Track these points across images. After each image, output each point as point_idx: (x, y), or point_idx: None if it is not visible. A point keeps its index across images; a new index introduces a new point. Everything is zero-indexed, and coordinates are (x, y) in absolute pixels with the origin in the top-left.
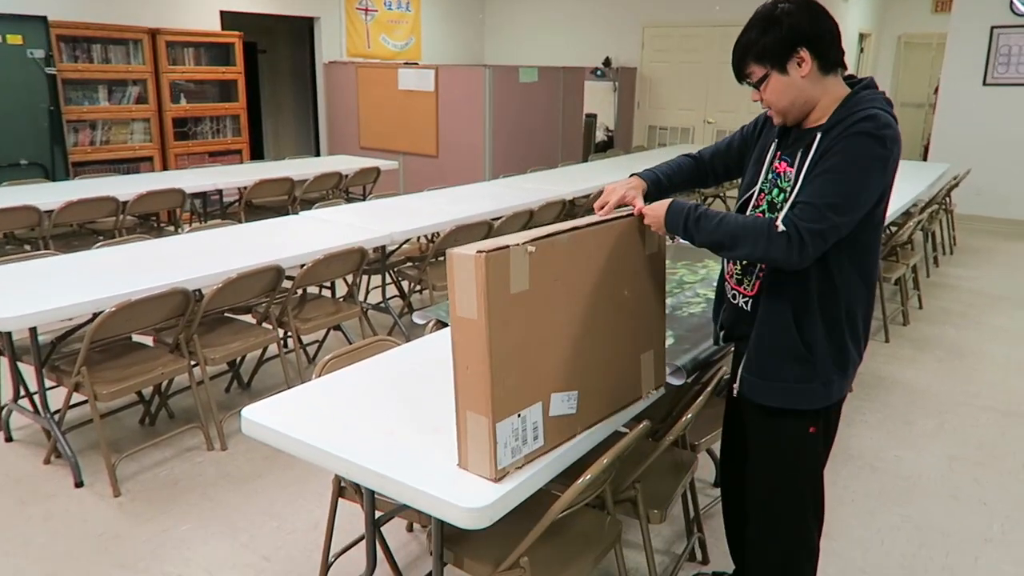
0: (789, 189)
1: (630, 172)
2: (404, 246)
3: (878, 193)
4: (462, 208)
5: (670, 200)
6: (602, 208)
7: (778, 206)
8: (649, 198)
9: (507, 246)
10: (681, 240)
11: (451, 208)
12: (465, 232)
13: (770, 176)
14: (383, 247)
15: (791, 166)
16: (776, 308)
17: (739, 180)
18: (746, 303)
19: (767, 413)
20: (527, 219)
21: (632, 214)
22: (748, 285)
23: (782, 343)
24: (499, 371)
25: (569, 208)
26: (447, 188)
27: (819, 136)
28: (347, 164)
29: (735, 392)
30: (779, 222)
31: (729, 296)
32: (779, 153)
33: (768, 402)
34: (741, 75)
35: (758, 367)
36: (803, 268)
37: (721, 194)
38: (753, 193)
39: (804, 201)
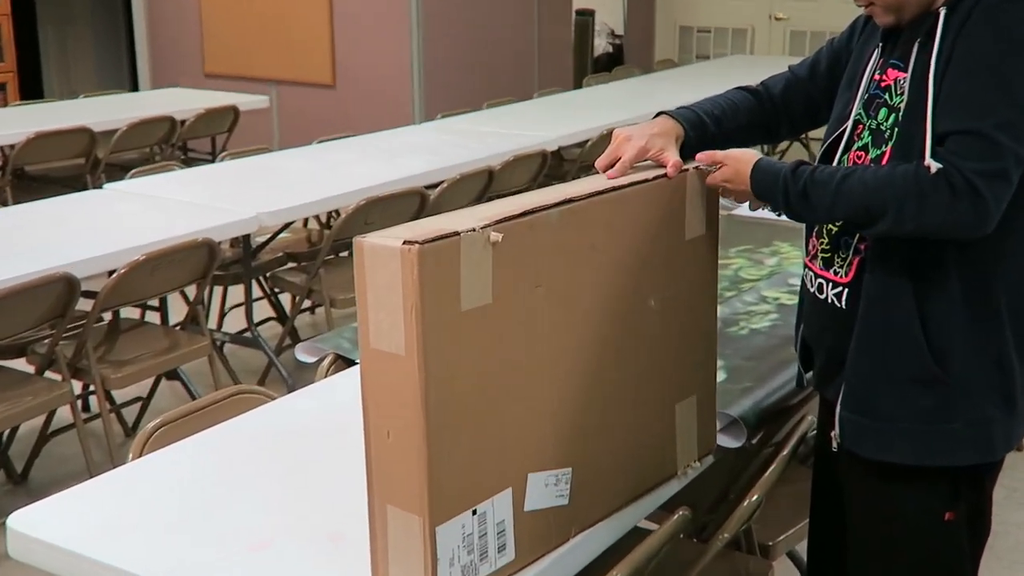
0: (904, 103)
1: (655, 109)
2: (282, 236)
3: None
4: (377, 169)
5: (755, 153)
6: (611, 167)
7: (886, 134)
8: (687, 150)
9: (455, 232)
10: (768, 211)
11: (359, 170)
12: (383, 209)
13: (870, 92)
14: (246, 238)
15: (903, 70)
16: (889, 299)
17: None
18: (838, 295)
19: (880, 476)
20: (484, 184)
21: (664, 175)
22: (841, 266)
23: (900, 356)
24: (441, 439)
25: (554, 165)
26: (352, 138)
27: (943, 15)
28: (184, 103)
29: (833, 445)
30: (928, 160)
31: (810, 287)
32: (882, 61)
33: (881, 456)
34: None
35: (864, 400)
36: (977, 233)
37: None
38: (845, 129)
39: (958, 130)
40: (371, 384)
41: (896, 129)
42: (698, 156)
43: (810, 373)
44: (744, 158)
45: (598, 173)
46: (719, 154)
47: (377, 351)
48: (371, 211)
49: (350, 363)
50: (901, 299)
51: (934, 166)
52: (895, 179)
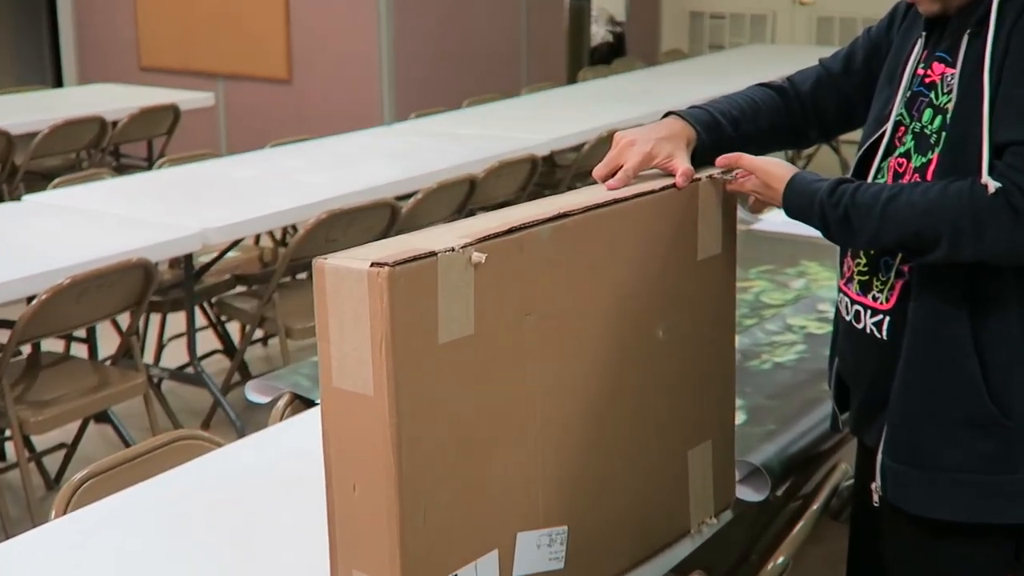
0: (953, 104)
1: (662, 108)
2: (230, 255)
3: None
4: (341, 178)
5: (788, 167)
6: (612, 175)
7: (931, 138)
8: (700, 156)
9: (431, 252)
10: (788, 218)
11: (319, 179)
12: (348, 224)
13: (912, 89)
14: (188, 258)
15: (951, 65)
16: (939, 329)
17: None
18: (878, 325)
19: (930, 535)
20: (465, 195)
21: (672, 186)
22: (881, 290)
23: (953, 396)
24: (415, 493)
25: (546, 173)
26: (311, 141)
27: (996, 1)
28: (116, 101)
29: (873, 499)
30: (986, 177)
31: (845, 314)
32: (926, 53)
33: (931, 512)
34: None
35: (910, 446)
36: None
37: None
38: (885, 131)
39: (1018, 140)
40: (334, 429)
41: (944, 134)
42: (720, 160)
43: (846, 414)
44: (777, 173)
45: (596, 183)
46: (747, 159)
47: (341, 390)
48: (334, 226)
49: (309, 404)
50: (953, 329)
51: (992, 185)
52: (948, 200)
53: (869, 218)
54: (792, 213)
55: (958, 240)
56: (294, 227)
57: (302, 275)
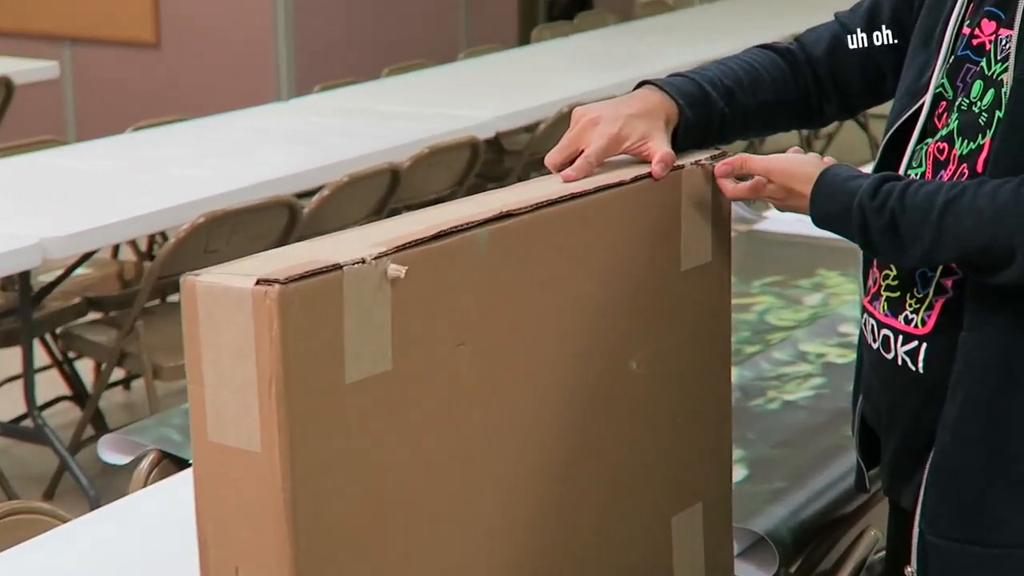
0: (1011, 76)
1: (636, 76)
2: (80, 272)
3: None
4: (224, 170)
5: (812, 160)
6: (569, 163)
7: (982, 118)
8: (685, 138)
9: (335, 265)
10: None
11: (195, 171)
12: (233, 229)
13: (956, 54)
14: (24, 277)
15: (1006, 24)
16: (998, 361)
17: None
18: (912, 354)
19: None
20: (385, 191)
21: (648, 175)
22: (916, 310)
23: (1007, 447)
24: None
25: (490, 161)
26: (185, 123)
27: None
28: None
29: None
30: None
31: (871, 340)
32: (972, 6)
33: None
34: None
35: (958, 514)
36: None
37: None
38: (922, 106)
39: None
40: (210, 496)
41: (998, 114)
42: (718, 169)
43: (875, 469)
44: (801, 172)
45: (551, 173)
46: (756, 161)
47: (218, 446)
48: (215, 233)
49: (182, 464)
50: (1007, 357)
51: None
52: (1014, 199)
53: (924, 227)
54: (822, 221)
55: None
56: (163, 235)
57: (174, 297)
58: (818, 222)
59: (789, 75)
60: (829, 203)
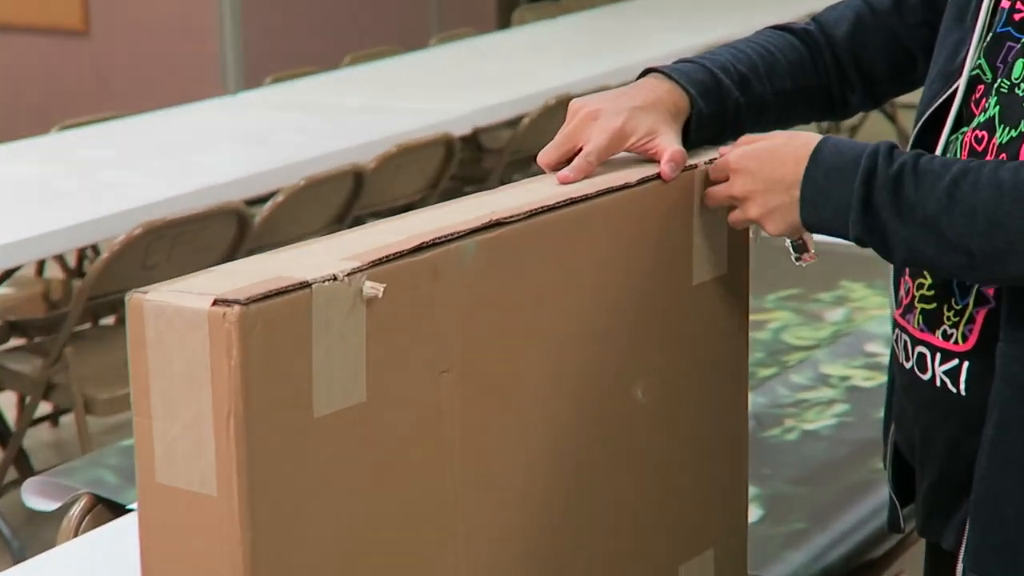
0: None
1: (640, 63)
2: (1, 293)
3: None
4: (166, 174)
5: (810, 135)
6: (565, 162)
7: None
8: (698, 133)
9: (302, 283)
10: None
11: (132, 176)
12: (175, 241)
13: (995, 30)
14: None
15: None
16: None
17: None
18: (952, 374)
19: None
20: (348, 195)
21: (656, 176)
22: (955, 324)
23: None
24: None
25: (467, 161)
26: (118, 120)
27: None
28: None
29: None
30: None
31: (904, 359)
32: None
33: None
34: None
35: (1008, 554)
36: None
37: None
38: (957, 90)
39: None
40: (157, 546)
41: None
42: (712, 171)
43: (910, 506)
44: (779, 157)
45: (544, 174)
46: (732, 156)
47: (168, 489)
48: (153, 246)
49: (119, 510)
50: None
51: None
52: None
53: (932, 191)
54: (824, 176)
55: None
56: (95, 249)
57: (108, 319)
58: (807, 218)
59: (808, 60)
60: (835, 158)
